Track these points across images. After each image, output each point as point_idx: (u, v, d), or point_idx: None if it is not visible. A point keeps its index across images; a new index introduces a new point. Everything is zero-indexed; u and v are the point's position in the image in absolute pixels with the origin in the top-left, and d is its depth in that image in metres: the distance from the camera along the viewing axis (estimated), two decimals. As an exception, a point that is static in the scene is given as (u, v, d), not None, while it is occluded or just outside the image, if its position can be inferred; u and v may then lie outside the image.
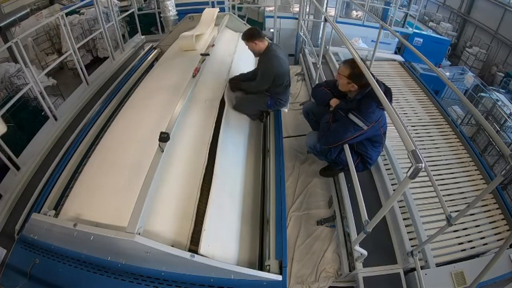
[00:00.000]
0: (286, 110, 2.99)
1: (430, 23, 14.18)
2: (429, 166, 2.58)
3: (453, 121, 3.50)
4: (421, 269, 1.97)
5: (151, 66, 3.88)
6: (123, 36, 5.30)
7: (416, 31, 8.40)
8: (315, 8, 4.85)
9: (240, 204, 2.12)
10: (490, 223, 2.48)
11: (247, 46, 2.70)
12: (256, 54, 2.73)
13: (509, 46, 11.24)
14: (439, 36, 10.18)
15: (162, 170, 1.82)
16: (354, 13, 9.31)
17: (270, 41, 2.72)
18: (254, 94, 2.84)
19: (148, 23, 6.43)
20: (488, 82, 10.15)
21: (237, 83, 2.90)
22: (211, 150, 2.24)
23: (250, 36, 2.63)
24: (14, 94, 2.92)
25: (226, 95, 2.77)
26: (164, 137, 1.85)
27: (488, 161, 6.41)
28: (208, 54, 2.89)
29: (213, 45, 3.11)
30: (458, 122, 4.43)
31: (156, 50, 4.25)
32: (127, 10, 5.76)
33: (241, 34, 2.70)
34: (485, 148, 6.67)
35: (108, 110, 3.01)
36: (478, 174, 2.88)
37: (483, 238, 2.38)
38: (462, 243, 2.32)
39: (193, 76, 2.53)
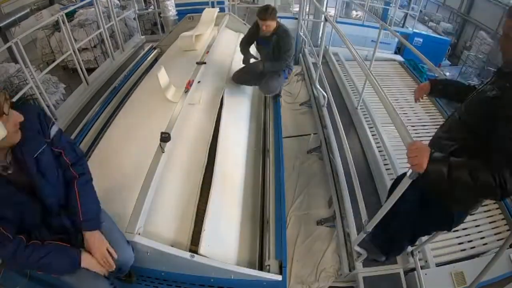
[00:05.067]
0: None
1: (430, 23, 14.19)
2: (429, 166, 2.57)
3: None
4: (421, 269, 1.97)
5: (151, 66, 3.88)
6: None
7: (416, 31, 8.40)
8: (315, 8, 4.85)
9: (240, 204, 2.12)
10: (490, 223, 2.48)
11: (262, 24, 2.62)
12: (268, 32, 2.68)
13: (509, 46, 11.23)
14: (439, 36, 10.19)
15: (162, 170, 1.82)
16: (354, 13, 9.32)
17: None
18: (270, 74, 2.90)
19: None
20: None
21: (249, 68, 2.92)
22: (211, 150, 2.24)
23: (272, 14, 2.57)
24: (14, 94, 2.92)
25: (226, 94, 2.77)
26: (165, 137, 1.86)
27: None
28: (205, 62, 2.85)
29: (207, 52, 3.06)
30: None
31: (156, 50, 4.25)
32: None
33: (258, 11, 2.62)
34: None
35: (108, 110, 3.01)
36: (478, 174, 2.87)
37: (483, 238, 2.38)
38: (462, 243, 2.32)
39: (185, 91, 2.39)
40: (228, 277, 1.60)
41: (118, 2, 7.95)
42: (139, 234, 1.51)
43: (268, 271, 1.71)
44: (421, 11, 13.45)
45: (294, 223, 2.62)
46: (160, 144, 1.85)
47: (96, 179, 1.98)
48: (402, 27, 8.75)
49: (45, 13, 6.86)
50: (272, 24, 2.63)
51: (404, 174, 1.19)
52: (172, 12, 4.82)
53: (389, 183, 2.59)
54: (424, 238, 2.14)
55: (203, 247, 1.61)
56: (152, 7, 7.20)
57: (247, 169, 2.44)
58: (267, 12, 2.57)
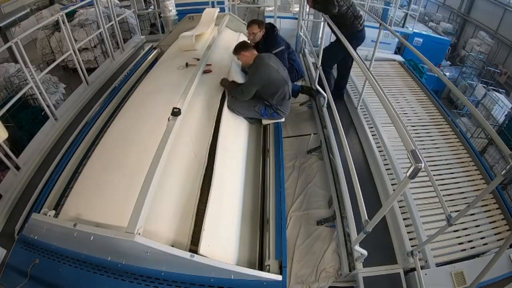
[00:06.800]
0: (283, 120, 2.94)
1: (430, 23, 14.18)
2: (429, 166, 2.58)
3: (453, 121, 3.50)
4: (421, 269, 1.97)
5: (151, 66, 3.88)
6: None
7: (416, 31, 8.39)
8: (315, 8, 4.84)
9: (240, 204, 2.12)
10: (490, 223, 2.47)
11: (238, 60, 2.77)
12: (246, 65, 2.74)
13: (509, 46, 11.24)
14: (439, 36, 10.18)
15: (162, 170, 1.82)
16: (354, 13, 9.29)
17: (263, 53, 2.73)
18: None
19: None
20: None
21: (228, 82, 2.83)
22: (211, 150, 2.24)
23: (237, 48, 2.66)
24: (14, 94, 2.92)
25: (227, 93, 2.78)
26: (176, 112, 2.03)
27: (489, 162, 6.37)
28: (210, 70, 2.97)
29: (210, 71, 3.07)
30: (467, 135, 4.31)
31: (156, 50, 4.25)
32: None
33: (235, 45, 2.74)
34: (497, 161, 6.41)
35: (108, 110, 3.01)
36: (478, 174, 2.87)
37: (483, 238, 2.38)
38: (462, 243, 2.32)
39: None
40: (228, 277, 1.60)
41: (118, 2, 7.94)
42: (139, 234, 1.51)
43: (268, 271, 1.71)
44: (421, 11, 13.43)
45: (294, 223, 2.62)
46: (168, 118, 2.01)
47: (97, 179, 2.00)
48: (402, 27, 8.74)
49: (45, 13, 6.84)
50: (241, 58, 2.71)
51: None
52: (172, 12, 4.82)
53: (389, 183, 2.60)
54: (424, 238, 2.14)
55: (203, 247, 1.61)
56: (152, 7, 7.21)
57: (247, 169, 2.44)
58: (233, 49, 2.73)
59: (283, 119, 2.93)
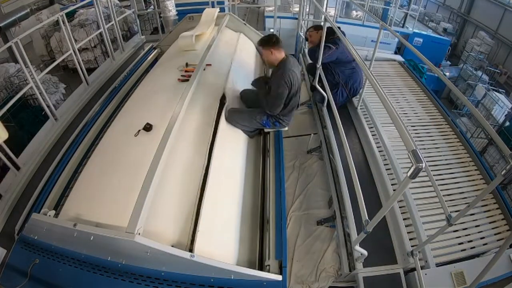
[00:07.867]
0: (286, 128, 2.79)
1: (430, 23, 14.19)
2: (429, 166, 2.57)
3: (453, 121, 3.50)
4: (421, 269, 1.97)
5: (151, 66, 3.88)
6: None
7: (416, 31, 8.40)
8: (315, 8, 4.85)
9: (240, 204, 2.12)
10: (490, 223, 2.47)
11: (261, 54, 2.54)
12: (269, 64, 2.47)
13: (509, 46, 11.25)
14: (439, 36, 10.19)
15: (162, 170, 1.82)
16: (354, 13, 9.31)
17: (288, 54, 2.45)
18: (253, 108, 2.66)
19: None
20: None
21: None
22: (211, 150, 2.24)
23: (266, 43, 2.35)
24: (14, 94, 2.92)
25: (227, 93, 2.77)
26: (147, 127, 2.13)
27: (489, 162, 6.38)
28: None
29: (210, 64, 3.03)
30: (467, 136, 4.30)
31: (156, 50, 4.25)
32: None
33: (258, 40, 2.48)
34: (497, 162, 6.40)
35: (108, 110, 3.01)
36: (478, 174, 2.87)
37: (483, 238, 2.38)
38: (462, 243, 2.32)
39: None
40: (228, 277, 1.60)
41: (118, 2, 7.94)
42: (139, 234, 1.51)
43: (268, 271, 1.71)
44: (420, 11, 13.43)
45: (294, 223, 2.62)
46: (138, 131, 2.13)
47: (97, 179, 2.00)
48: (402, 27, 8.76)
49: (45, 13, 6.84)
50: (267, 54, 2.39)
51: None
52: (172, 12, 4.82)
53: (389, 183, 2.60)
54: (424, 238, 2.14)
55: (197, 248, 1.61)
56: (152, 7, 7.21)
57: (247, 169, 2.44)
58: (260, 40, 2.43)
59: (286, 128, 2.78)
